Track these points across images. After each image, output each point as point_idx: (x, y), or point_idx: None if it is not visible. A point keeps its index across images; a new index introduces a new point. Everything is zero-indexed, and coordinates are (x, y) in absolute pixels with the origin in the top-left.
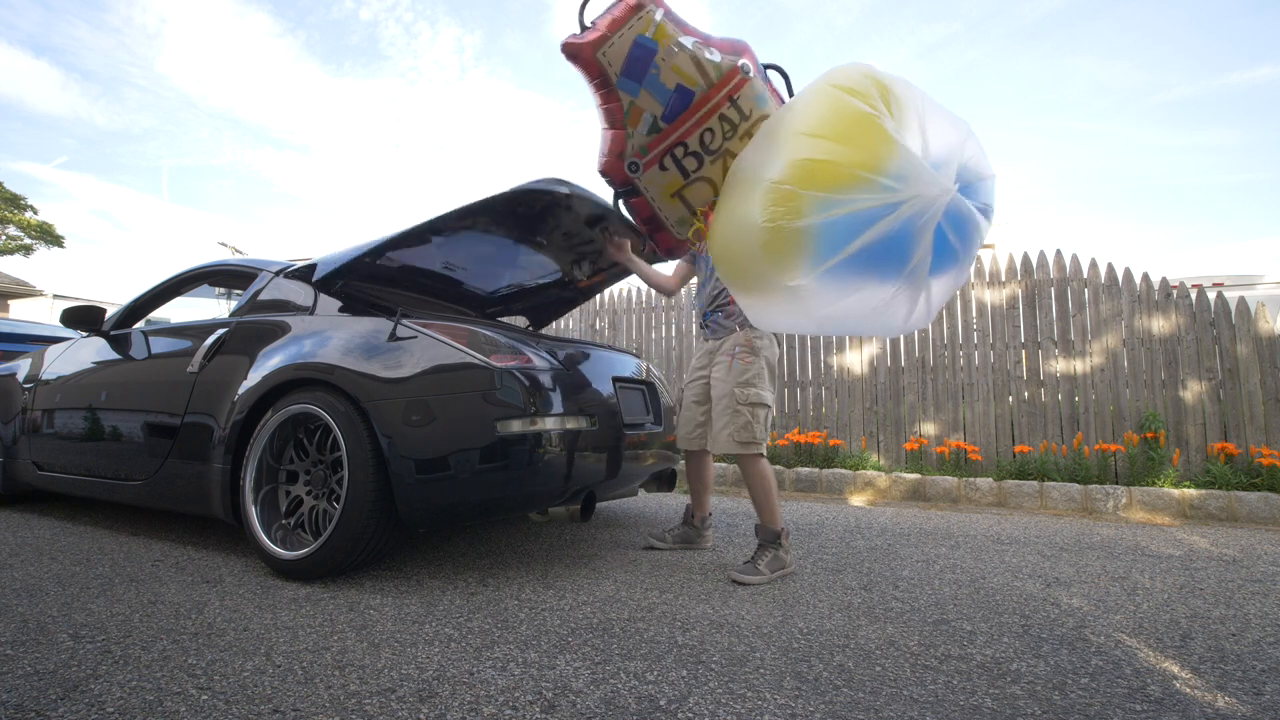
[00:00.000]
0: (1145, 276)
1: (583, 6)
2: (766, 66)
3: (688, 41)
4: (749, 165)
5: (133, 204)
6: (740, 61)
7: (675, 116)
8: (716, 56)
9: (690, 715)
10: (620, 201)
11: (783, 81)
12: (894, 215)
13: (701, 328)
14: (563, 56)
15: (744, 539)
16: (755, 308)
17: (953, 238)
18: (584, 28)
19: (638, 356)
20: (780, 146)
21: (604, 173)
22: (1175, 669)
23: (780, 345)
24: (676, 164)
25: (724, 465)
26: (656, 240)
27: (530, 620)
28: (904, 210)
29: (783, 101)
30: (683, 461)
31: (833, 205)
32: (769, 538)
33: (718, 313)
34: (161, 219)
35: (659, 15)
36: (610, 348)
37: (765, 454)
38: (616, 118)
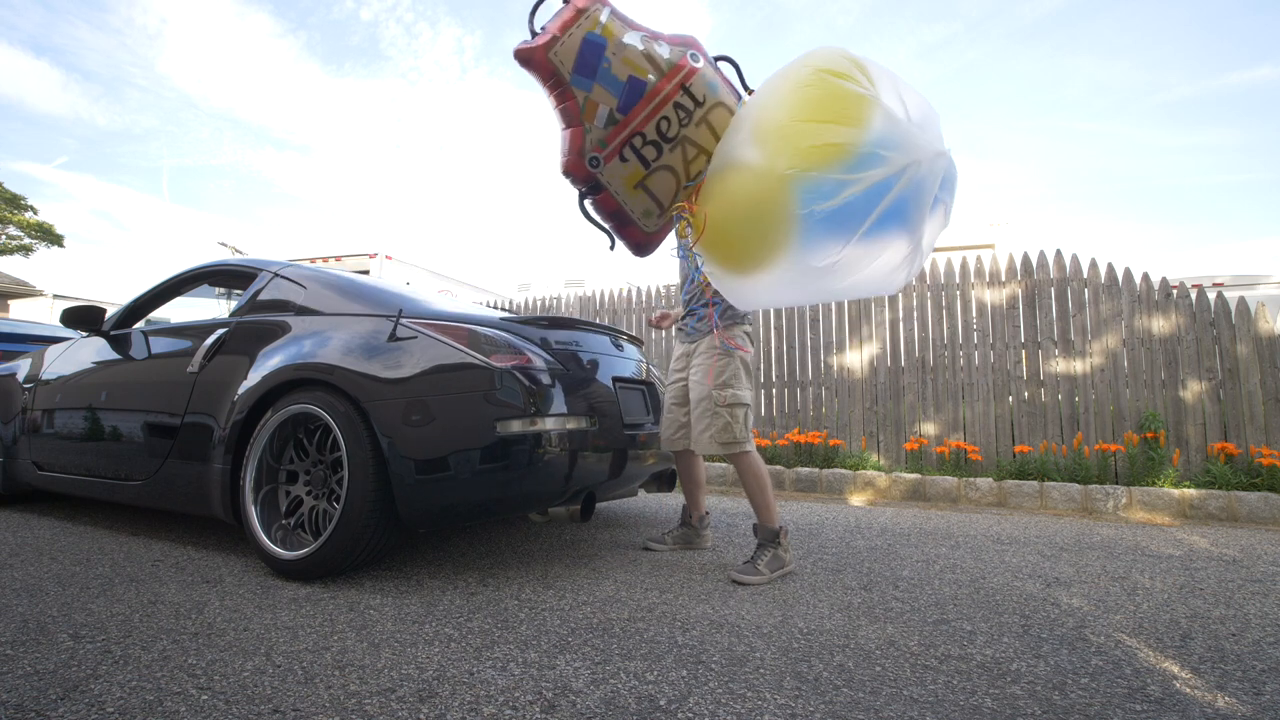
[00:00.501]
0: (1145, 276)
1: (532, 14)
2: (718, 59)
3: (636, 36)
4: (747, 158)
5: (133, 204)
6: (689, 52)
7: (630, 107)
8: (665, 50)
9: (690, 715)
10: (585, 202)
11: (734, 72)
12: (903, 180)
13: (678, 330)
14: (516, 63)
15: (744, 539)
16: (759, 290)
17: (940, 191)
18: (534, 35)
19: (639, 344)
20: (785, 136)
21: (567, 172)
22: (1175, 669)
23: (780, 345)
24: (636, 154)
25: (725, 465)
26: (626, 236)
27: (530, 620)
28: (910, 174)
29: (736, 90)
30: None
31: (853, 183)
32: (768, 537)
33: (690, 316)
34: (162, 219)
35: (605, 14)
36: (611, 329)
37: (752, 449)
38: (573, 115)
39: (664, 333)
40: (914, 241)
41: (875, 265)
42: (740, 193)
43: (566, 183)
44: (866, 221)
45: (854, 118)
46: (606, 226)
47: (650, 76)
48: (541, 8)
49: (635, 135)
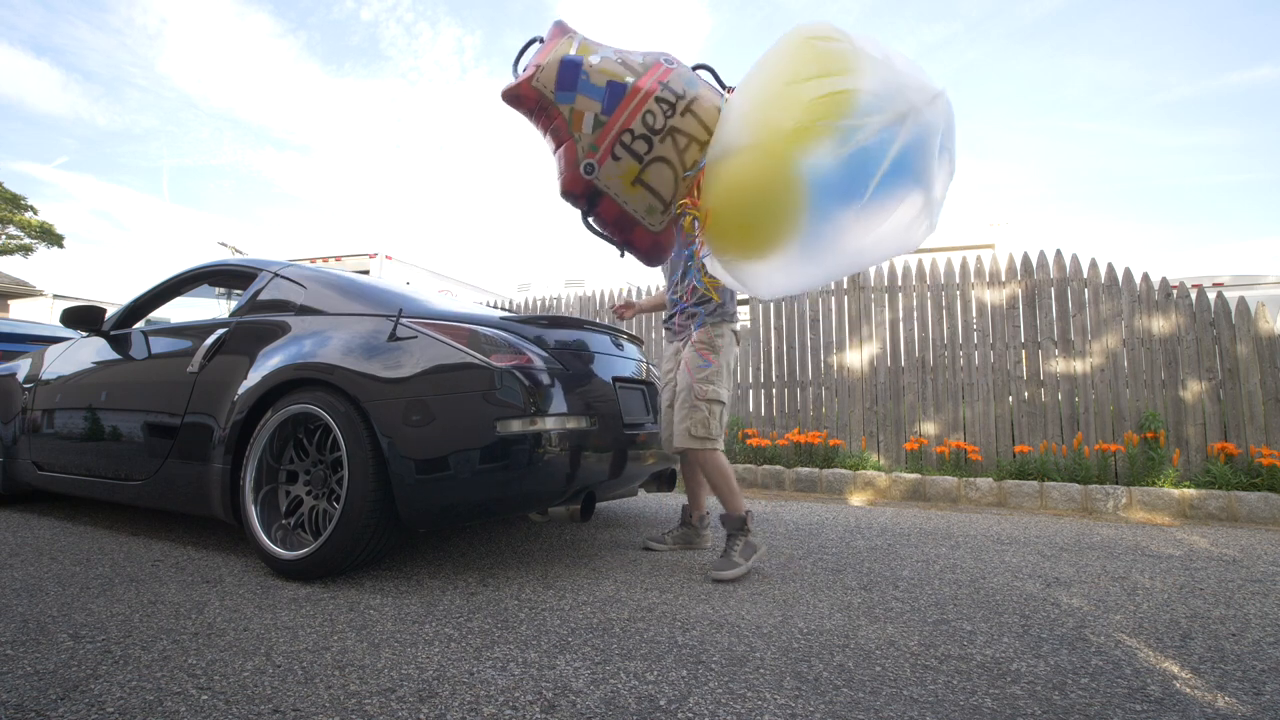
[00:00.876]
0: (1145, 276)
1: (516, 61)
2: (695, 67)
3: (610, 51)
4: (746, 139)
5: (133, 204)
6: (662, 57)
7: (613, 108)
8: (638, 58)
9: (690, 715)
10: (590, 220)
11: (712, 78)
12: (906, 128)
13: (666, 329)
14: (505, 104)
15: None
16: (778, 272)
17: (943, 138)
18: (517, 77)
19: (640, 343)
20: (781, 102)
21: (566, 191)
22: (1175, 669)
23: (780, 345)
24: (628, 150)
25: None
26: (633, 241)
27: (530, 620)
28: (911, 121)
29: (716, 89)
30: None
31: (857, 130)
32: (736, 525)
33: (680, 314)
34: (162, 219)
35: (578, 40)
36: (611, 328)
37: (720, 447)
38: (563, 131)
39: (662, 331)
40: (926, 192)
41: (891, 222)
42: (747, 170)
43: (568, 205)
44: (876, 175)
45: (845, 68)
46: (615, 239)
47: (628, 78)
48: (524, 54)
49: (623, 132)
